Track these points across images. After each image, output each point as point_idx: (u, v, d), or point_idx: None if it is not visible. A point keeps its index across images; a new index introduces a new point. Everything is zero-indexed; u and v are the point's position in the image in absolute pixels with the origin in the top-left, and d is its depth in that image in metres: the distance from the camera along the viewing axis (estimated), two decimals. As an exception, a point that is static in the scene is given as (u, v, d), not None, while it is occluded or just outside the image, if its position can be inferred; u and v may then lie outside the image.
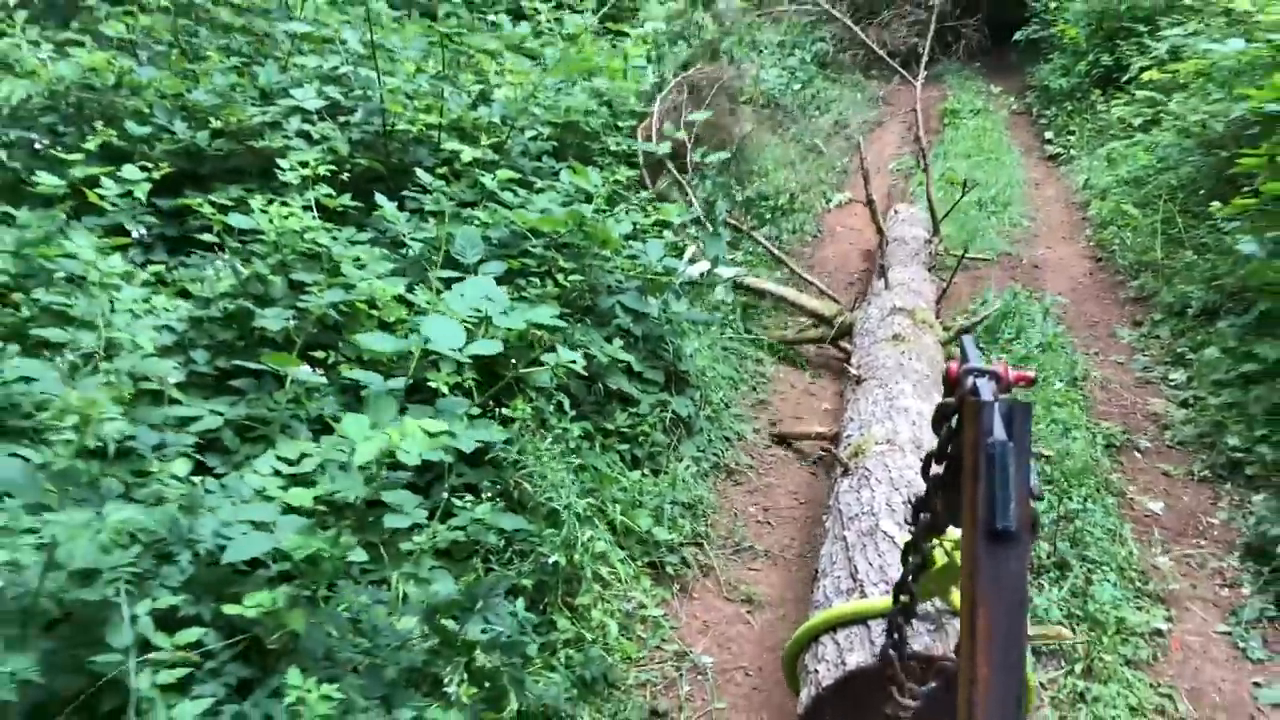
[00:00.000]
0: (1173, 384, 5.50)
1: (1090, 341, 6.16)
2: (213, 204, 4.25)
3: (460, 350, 3.11)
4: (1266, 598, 3.82)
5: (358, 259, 4.23)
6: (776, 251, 7.17)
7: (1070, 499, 4.22)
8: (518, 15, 8.64)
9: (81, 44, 5.91)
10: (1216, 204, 5.24)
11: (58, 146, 5.06)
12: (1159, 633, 3.66)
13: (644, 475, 4.31)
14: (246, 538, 2.61)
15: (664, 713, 3.36)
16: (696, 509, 4.34)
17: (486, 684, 2.81)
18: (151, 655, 2.44)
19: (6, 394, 3.07)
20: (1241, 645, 3.63)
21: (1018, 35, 14.44)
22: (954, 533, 1.64)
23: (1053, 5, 13.21)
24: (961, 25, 15.98)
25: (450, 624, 2.88)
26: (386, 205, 4.55)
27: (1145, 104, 8.83)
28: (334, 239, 4.19)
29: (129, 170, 4.25)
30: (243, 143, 5.24)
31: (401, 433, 2.48)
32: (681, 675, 3.53)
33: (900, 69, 9.34)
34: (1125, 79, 9.69)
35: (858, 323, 5.87)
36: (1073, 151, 10.49)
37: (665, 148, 6.51)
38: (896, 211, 7.90)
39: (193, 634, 2.58)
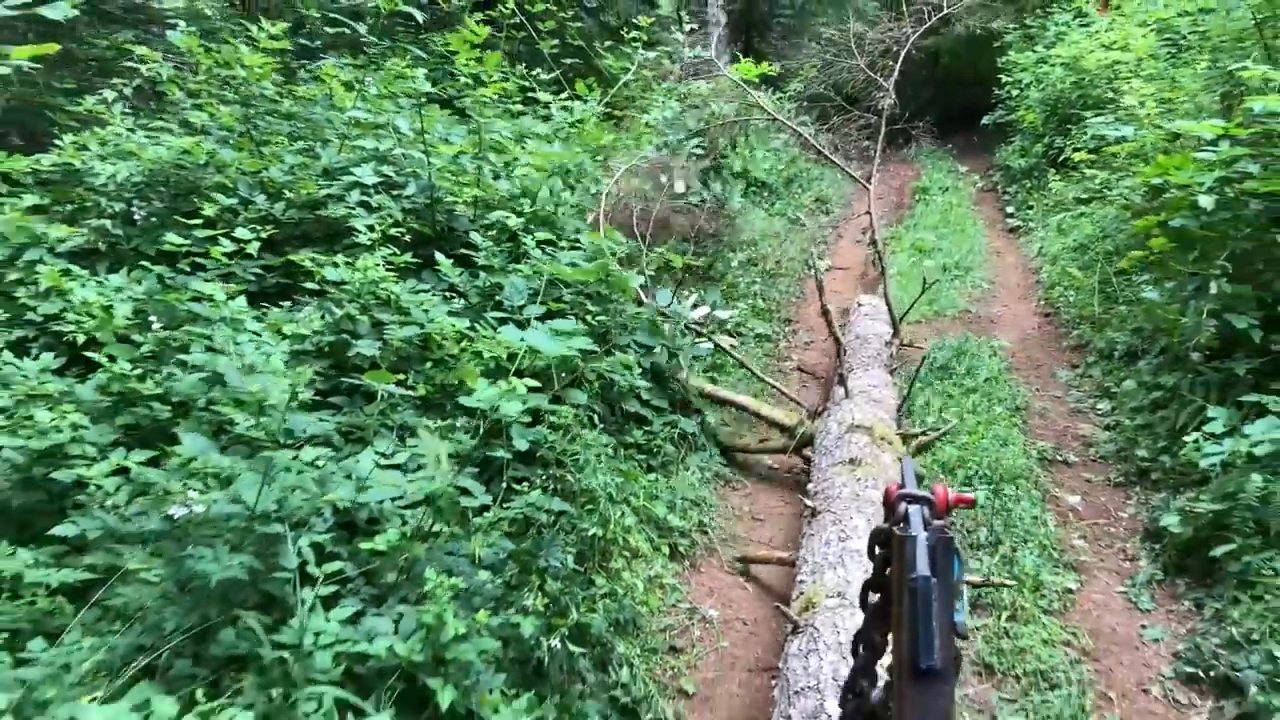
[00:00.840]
0: (1100, 412, 6.52)
1: (1034, 380, 7.20)
2: (313, 259, 5.27)
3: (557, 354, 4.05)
4: (1156, 567, 4.79)
5: (422, 303, 5.25)
6: (741, 358, 7.15)
7: (1004, 494, 5.21)
8: (529, 101, 9.77)
9: (170, 131, 6.95)
10: (1126, 260, 6.30)
11: (152, 217, 6.09)
12: (1070, 591, 4.63)
13: (658, 478, 5.29)
14: (383, 487, 3.59)
15: (680, 649, 4.30)
16: (701, 505, 5.32)
17: (553, 603, 3.76)
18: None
19: (187, 390, 4.07)
20: (1134, 600, 4.60)
21: (985, 120, 15.78)
22: None
23: (1015, 93, 14.52)
24: (911, 127, 17.35)
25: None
26: (444, 261, 5.58)
27: (1088, 180, 10.00)
28: (400, 288, 5.20)
29: (241, 232, 5.24)
30: (312, 212, 6.22)
31: (511, 387, 3.45)
32: (693, 624, 4.48)
33: (853, 174, 10.01)
34: (1062, 159, 10.90)
35: (818, 437, 5.73)
36: (1030, 223, 11.66)
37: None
38: (860, 305, 8.09)
39: (336, 565, 3.53)
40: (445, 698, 3.23)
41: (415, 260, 5.82)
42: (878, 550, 1.38)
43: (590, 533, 4.49)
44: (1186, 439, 5.04)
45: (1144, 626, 4.42)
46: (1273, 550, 4.32)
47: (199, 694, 2.80)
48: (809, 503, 4.81)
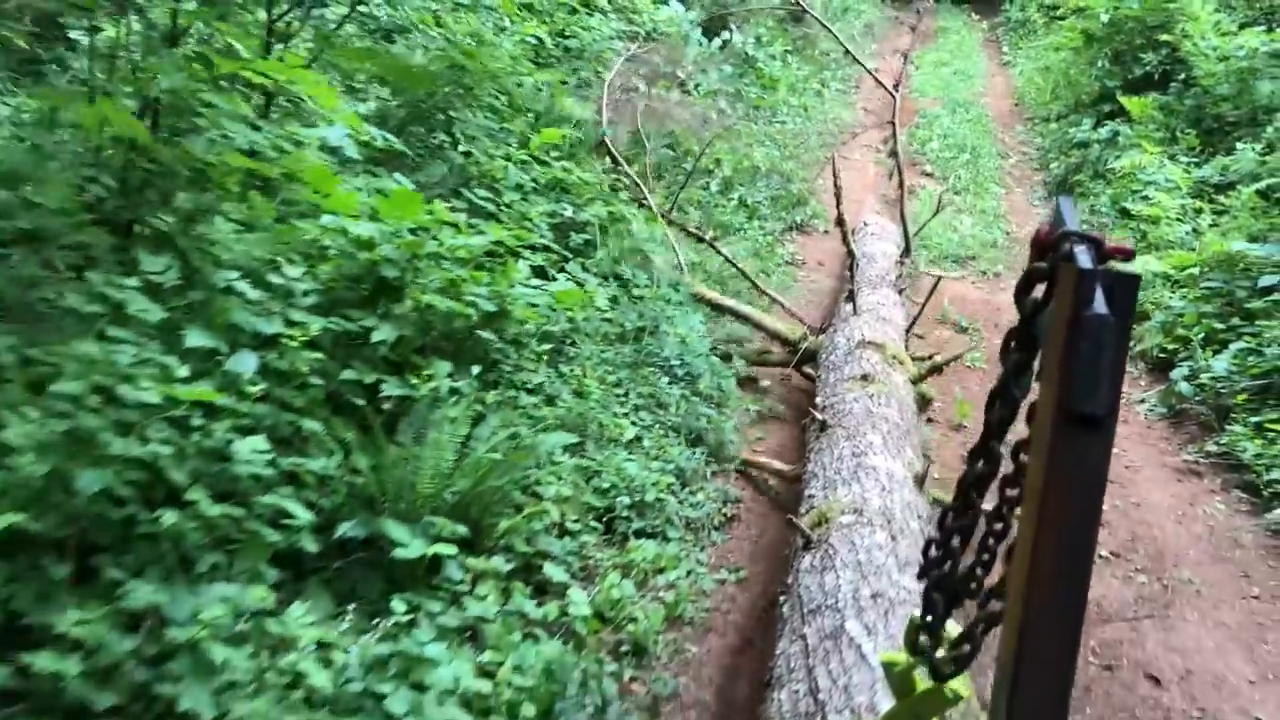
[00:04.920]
0: (1035, 144, 11.52)
1: (1001, 130, 12.16)
2: None
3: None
4: (1045, 190, 9.82)
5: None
6: (739, 266, 6.64)
7: (978, 155, 10.24)
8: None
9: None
10: (1054, 44, 11.15)
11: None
12: (1003, 195, 9.65)
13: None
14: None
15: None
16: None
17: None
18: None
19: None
20: (1031, 202, 9.63)
21: (998, -16, 20.31)
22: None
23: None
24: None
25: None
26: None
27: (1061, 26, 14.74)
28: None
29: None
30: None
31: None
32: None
33: (881, 81, 10.53)
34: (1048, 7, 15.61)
35: (823, 352, 5.50)
36: (1019, 58, 16.40)
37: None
38: (867, 224, 7.59)
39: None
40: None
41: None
42: (1028, 297, 1.17)
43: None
44: (1070, 132, 10.06)
45: (1035, 203, 9.49)
46: (1101, 183, 9.27)
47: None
48: (819, 416, 4.54)
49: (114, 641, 2.52)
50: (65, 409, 2.68)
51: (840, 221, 6.49)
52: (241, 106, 3.75)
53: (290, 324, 3.36)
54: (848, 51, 9.80)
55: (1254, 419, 5.05)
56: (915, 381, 5.20)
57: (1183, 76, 9.22)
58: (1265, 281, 5.90)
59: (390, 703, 2.67)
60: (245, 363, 3.13)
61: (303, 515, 2.95)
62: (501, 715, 2.81)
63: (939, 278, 6.63)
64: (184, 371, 2.91)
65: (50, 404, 2.66)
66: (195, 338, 3.07)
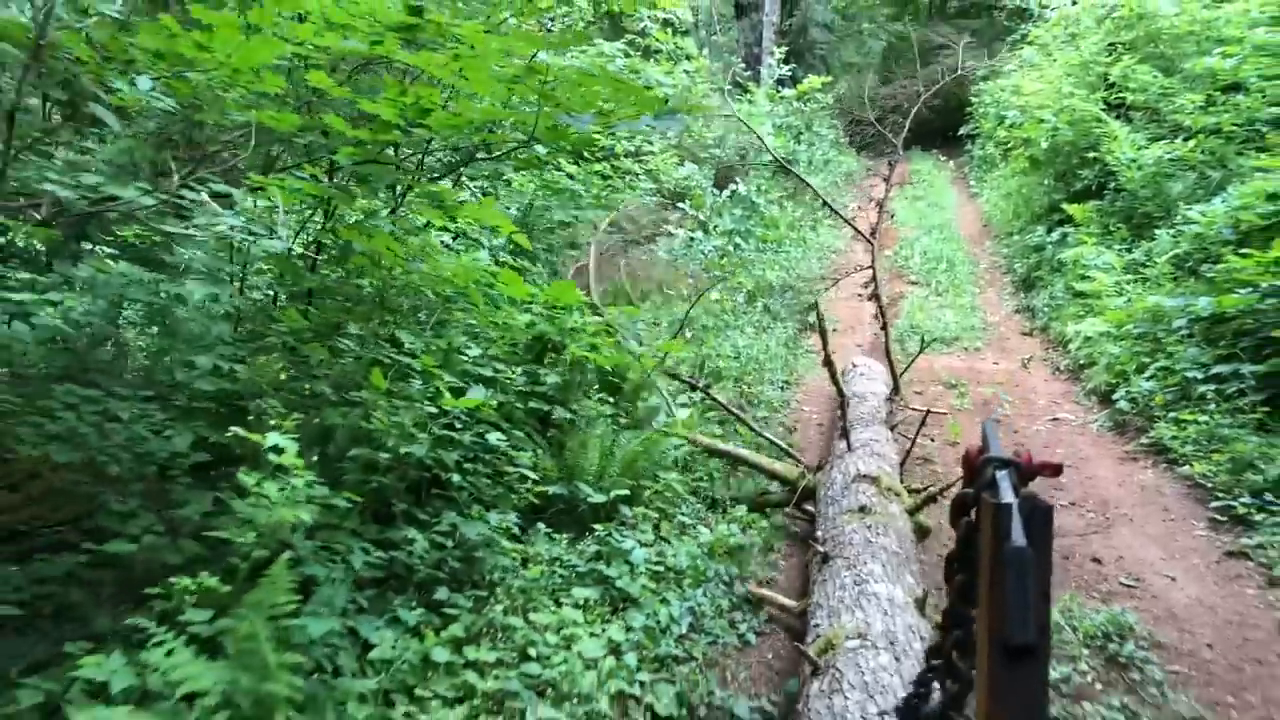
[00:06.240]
0: (1001, 253, 13.51)
1: (973, 246, 14.19)
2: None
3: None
4: (1011, 287, 11.74)
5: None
6: (735, 411, 7.05)
7: (954, 264, 12.19)
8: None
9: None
10: (1009, 168, 13.27)
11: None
12: (977, 293, 11.55)
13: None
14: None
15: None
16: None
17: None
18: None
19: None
20: (1002, 298, 11.53)
21: (962, 130, 22.85)
22: None
23: (980, 112, 21.57)
24: (895, 157, 24.17)
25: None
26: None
27: (1015, 160, 17.00)
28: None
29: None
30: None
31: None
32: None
33: (858, 229, 11.20)
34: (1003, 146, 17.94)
35: (820, 488, 5.70)
36: (984, 189, 18.67)
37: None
38: (855, 365, 8.16)
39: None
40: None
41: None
42: (962, 519, 1.23)
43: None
44: (1029, 240, 12.05)
45: (1005, 298, 11.37)
46: (1056, 275, 11.20)
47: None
48: (820, 548, 4.72)
49: (439, 545, 4.22)
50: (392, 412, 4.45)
51: (828, 362, 6.55)
52: (435, 244, 5.65)
53: (496, 371, 5.16)
54: (825, 203, 11.71)
55: (1172, 415, 6.76)
56: (911, 512, 5.37)
57: (1113, 185, 11.24)
58: (1177, 324, 7.70)
59: (607, 571, 4.34)
60: (478, 393, 4.90)
61: (533, 476, 4.68)
62: (671, 583, 4.46)
63: (927, 410, 6.77)
64: (447, 395, 4.69)
65: (382, 414, 4.42)
66: (448, 377, 4.86)
